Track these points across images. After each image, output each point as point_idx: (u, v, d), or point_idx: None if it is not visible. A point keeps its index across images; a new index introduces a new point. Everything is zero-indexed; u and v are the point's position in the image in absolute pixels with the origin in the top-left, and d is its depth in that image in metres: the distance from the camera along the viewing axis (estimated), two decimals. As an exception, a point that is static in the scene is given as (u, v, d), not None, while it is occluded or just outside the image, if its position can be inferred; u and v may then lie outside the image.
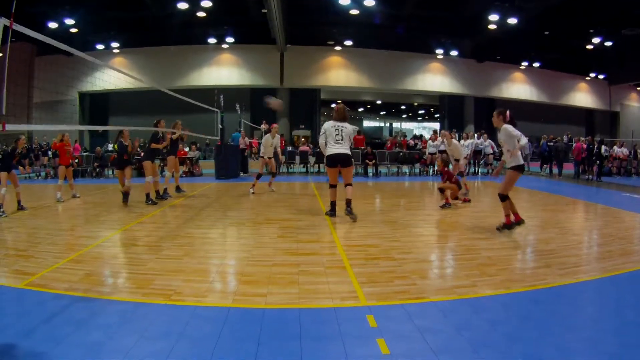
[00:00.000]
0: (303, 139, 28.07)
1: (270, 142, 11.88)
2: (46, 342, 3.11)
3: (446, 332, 3.31)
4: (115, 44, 28.78)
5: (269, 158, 11.93)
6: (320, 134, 7.93)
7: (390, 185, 13.90)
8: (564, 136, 21.80)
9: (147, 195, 9.78)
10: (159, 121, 10.25)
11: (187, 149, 18.13)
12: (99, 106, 31.13)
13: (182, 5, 23.54)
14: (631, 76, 32.97)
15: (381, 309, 3.70)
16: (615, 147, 19.80)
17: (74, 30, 24.99)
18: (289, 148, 22.16)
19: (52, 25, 23.51)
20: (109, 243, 6.30)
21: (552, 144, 18.77)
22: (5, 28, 4.51)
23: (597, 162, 16.60)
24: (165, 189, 10.79)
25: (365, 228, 7.14)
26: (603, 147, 17.24)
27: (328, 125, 7.82)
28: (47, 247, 5.88)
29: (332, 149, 7.72)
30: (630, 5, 21.61)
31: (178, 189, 11.32)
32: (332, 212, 7.99)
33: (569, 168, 18.88)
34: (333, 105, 40.41)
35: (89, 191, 12.17)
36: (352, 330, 3.32)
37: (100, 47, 28.51)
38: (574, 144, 18.00)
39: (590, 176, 16.76)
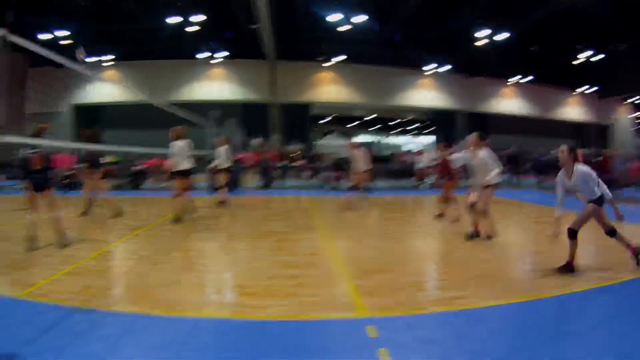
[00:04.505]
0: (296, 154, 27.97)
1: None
2: (47, 352, 3.10)
3: (446, 342, 3.34)
4: (107, 57, 28.68)
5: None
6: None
7: (384, 199, 13.94)
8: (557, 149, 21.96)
9: None
10: (42, 127, 6.67)
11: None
12: (94, 119, 30.76)
13: (174, 20, 23.64)
14: (621, 90, 33.40)
15: (381, 320, 3.72)
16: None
17: (66, 42, 24.96)
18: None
19: (45, 36, 23.45)
20: (106, 255, 6.26)
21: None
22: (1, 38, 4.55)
23: None
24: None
25: (362, 240, 7.15)
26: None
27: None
28: (44, 258, 5.83)
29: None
30: (618, 19, 22.05)
31: None
32: None
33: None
34: (322, 122, 40.15)
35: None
36: (352, 341, 3.35)
37: (92, 59, 28.41)
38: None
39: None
